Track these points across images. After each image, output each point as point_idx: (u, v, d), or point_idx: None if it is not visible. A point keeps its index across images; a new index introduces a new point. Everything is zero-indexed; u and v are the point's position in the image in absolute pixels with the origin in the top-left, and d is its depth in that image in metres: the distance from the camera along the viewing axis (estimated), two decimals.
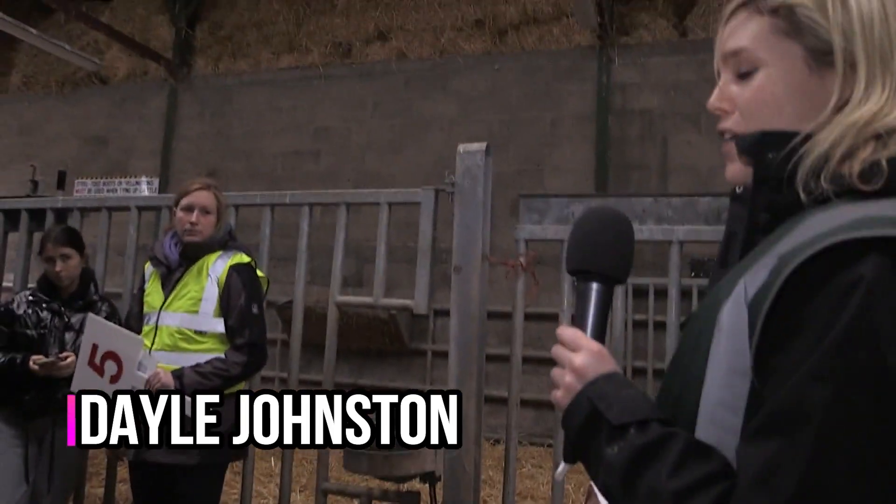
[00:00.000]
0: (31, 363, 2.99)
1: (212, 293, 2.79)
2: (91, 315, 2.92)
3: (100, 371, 2.73)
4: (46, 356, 3.03)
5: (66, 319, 3.22)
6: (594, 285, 0.99)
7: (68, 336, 3.20)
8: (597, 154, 7.76)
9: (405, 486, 3.02)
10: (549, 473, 5.88)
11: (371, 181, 8.56)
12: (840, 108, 0.82)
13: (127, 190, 9.49)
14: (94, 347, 2.76)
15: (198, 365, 2.71)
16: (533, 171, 8.03)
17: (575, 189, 7.78)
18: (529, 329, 3.08)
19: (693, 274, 6.91)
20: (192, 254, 2.84)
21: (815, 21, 0.84)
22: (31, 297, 3.23)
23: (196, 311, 2.77)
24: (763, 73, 0.87)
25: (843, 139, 0.79)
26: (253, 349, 2.77)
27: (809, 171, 0.80)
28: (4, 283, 4.15)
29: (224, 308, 2.79)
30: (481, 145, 2.91)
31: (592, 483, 1.76)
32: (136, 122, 9.81)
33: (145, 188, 9.50)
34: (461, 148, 2.92)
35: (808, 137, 0.82)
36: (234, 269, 2.82)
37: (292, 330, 3.21)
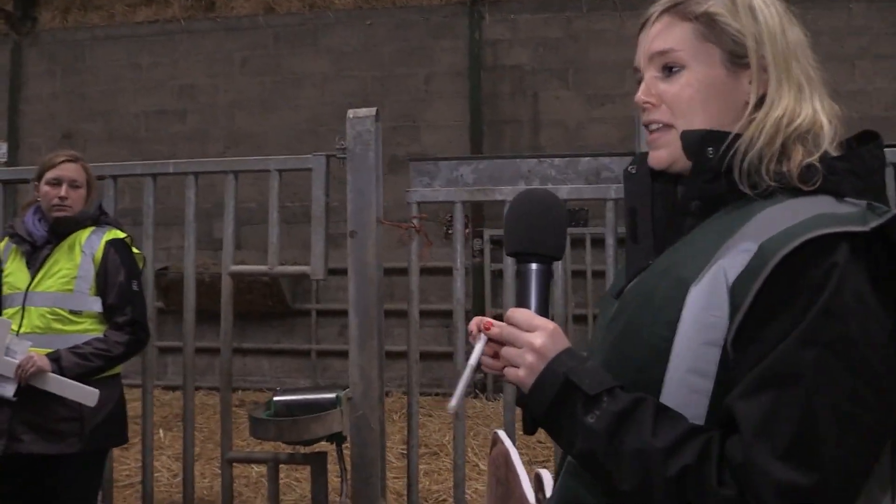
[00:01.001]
0: None
1: (87, 270, 2.66)
2: None
3: None
4: None
5: None
6: (533, 266, 1.05)
7: None
8: (471, 110, 7.90)
9: (312, 448, 3.08)
10: (440, 421, 6.10)
11: (242, 141, 8.30)
12: (757, 105, 0.97)
13: None
14: None
15: (76, 346, 2.59)
16: (409, 127, 8.07)
17: (451, 145, 7.90)
18: (420, 283, 3.18)
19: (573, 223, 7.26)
20: (62, 230, 2.69)
21: (732, 27, 0.98)
22: None
23: (70, 290, 2.65)
24: (687, 71, 1.00)
25: (773, 140, 0.94)
26: (135, 327, 2.69)
27: (748, 167, 0.94)
28: None
29: (101, 286, 2.67)
30: (371, 111, 2.94)
31: (498, 432, 1.89)
32: None
33: None
34: (351, 113, 2.94)
35: (737, 136, 0.96)
36: (111, 244, 2.71)
37: (185, 302, 3.16)
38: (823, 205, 0.91)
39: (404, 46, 8.15)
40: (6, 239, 2.80)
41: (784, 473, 0.81)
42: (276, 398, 2.84)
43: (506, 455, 1.77)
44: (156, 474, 4.64)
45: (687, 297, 0.91)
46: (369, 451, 2.82)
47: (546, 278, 1.05)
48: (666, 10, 1.02)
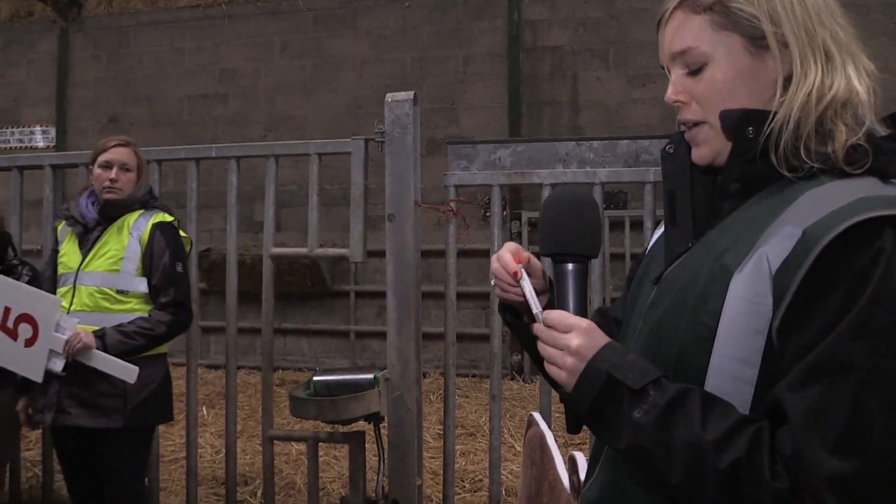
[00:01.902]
0: None
1: (134, 252, 2.74)
2: (0, 276, 2.83)
3: (13, 335, 2.63)
4: None
5: None
6: (569, 266, 1.06)
7: None
8: (509, 91, 7.86)
9: (348, 428, 3.13)
10: (476, 403, 6.15)
11: (283, 124, 8.39)
12: (785, 84, 0.95)
13: (21, 140, 8.95)
14: (7, 310, 2.64)
15: (121, 324, 2.68)
16: (447, 109, 8.07)
17: (489, 127, 7.88)
18: (458, 266, 3.20)
19: (605, 206, 7.19)
20: (111, 212, 2.77)
21: (746, 12, 0.96)
22: None
23: (117, 270, 2.73)
24: (711, 65, 0.98)
25: (807, 117, 0.92)
26: (178, 308, 2.75)
27: (786, 147, 0.92)
28: None
29: (147, 267, 2.75)
30: (409, 94, 2.95)
31: (533, 414, 1.90)
32: (24, 67, 9.19)
33: (40, 138, 8.99)
34: (389, 97, 2.95)
35: (773, 116, 0.94)
36: (157, 227, 2.78)
37: (227, 283, 3.22)
38: (868, 187, 0.88)
39: (443, 28, 8.13)
40: (63, 221, 2.90)
41: (835, 466, 0.80)
42: (315, 378, 2.89)
43: (541, 437, 1.78)
44: (199, 450, 4.77)
45: (730, 285, 0.90)
46: (406, 430, 2.86)
47: (583, 278, 1.07)
48: (678, 6, 1.01)
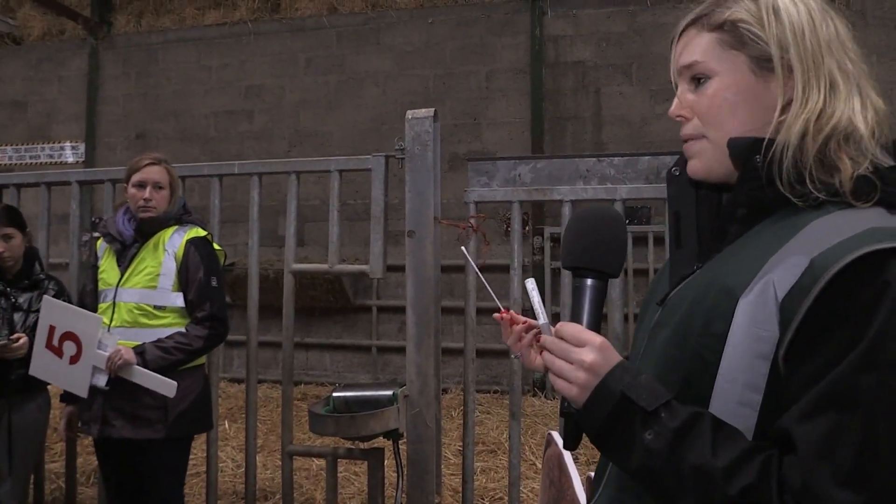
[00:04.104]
0: None
1: (170, 268, 2.80)
2: (46, 297, 2.90)
3: (59, 353, 2.72)
4: None
5: (13, 300, 3.16)
6: (589, 281, 1.06)
7: (17, 317, 3.16)
8: (532, 107, 7.86)
9: (369, 444, 3.13)
10: (498, 419, 6.11)
11: (307, 140, 8.47)
12: (786, 108, 0.96)
13: (51, 156, 9.13)
14: (52, 329, 2.74)
15: (159, 340, 2.74)
16: (470, 125, 8.09)
17: (512, 143, 7.88)
18: (477, 283, 3.20)
19: (628, 222, 7.17)
20: (147, 230, 2.84)
21: (755, 34, 0.97)
22: None
23: (154, 287, 2.79)
24: (715, 80, 1.00)
25: (807, 145, 0.92)
26: (214, 322, 2.81)
27: (788, 175, 0.93)
28: None
29: (183, 282, 2.81)
30: (429, 111, 2.96)
31: (552, 433, 1.88)
32: (55, 84, 9.38)
33: (70, 154, 9.16)
34: (409, 114, 2.96)
35: (778, 141, 0.94)
36: (192, 242, 2.84)
37: (249, 298, 3.25)
38: (875, 218, 0.88)
39: (466, 44, 8.17)
40: (101, 238, 2.96)
41: (844, 499, 0.79)
42: (335, 394, 2.89)
43: (559, 457, 1.77)
44: (221, 464, 4.79)
45: (736, 310, 0.90)
46: (425, 447, 2.85)
47: (601, 295, 1.06)
48: (691, 24, 1.03)
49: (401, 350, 7.36)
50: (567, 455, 1.75)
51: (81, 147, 9.10)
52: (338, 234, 3.12)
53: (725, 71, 0.99)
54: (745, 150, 0.96)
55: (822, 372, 0.84)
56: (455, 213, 6.68)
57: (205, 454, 3.44)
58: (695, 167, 1.03)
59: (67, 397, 2.97)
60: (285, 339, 3.18)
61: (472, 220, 3.03)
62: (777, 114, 0.96)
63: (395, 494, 2.94)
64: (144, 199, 2.81)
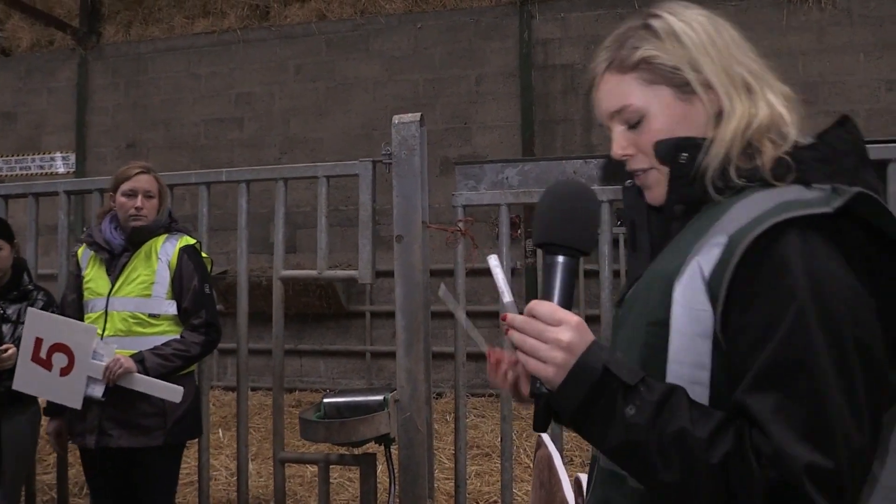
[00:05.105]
0: None
1: (164, 276, 2.81)
2: (31, 309, 2.88)
3: (47, 365, 2.70)
4: None
5: (2, 311, 3.16)
6: (560, 258, 1.04)
7: (5, 328, 3.15)
8: (522, 110, 7.89)
9: (361, 450, 3.13)
10: (492, 423, 6.11)
11: (298, 147, 8.47)
12: (717, 120, 1.02)
13: (42, 167, 9.10)
14: (38, 342, 2.72)
15: (157, 347, 2.74)
16: (460, 129, 8.11)
17: (502, 146, 7.90)
18: (467, 285, 3.20)
19: (619, 223, 7.17)
20: (138, 238, 2.83)
21: (668, 65, 1.03)
22: None
23: (149, 295, 2.79)
24: (648, 117, 1.05)
25: (734, 143, 1.00)
26: (210, 328, 2.83)
27: (716, 170, 1.00)
28: None
29: (177, 290, 2.82)
30: (415, 116, 2.97)
31: (542, 436, 1.89)
32: (44, 94, 9.36)
33: (61, 164, 9.14)
34: (396, 119, 2.97)
35: (707, 144, 1.02)
36: (184, 251, 2.85)
37: (238, 306, 3.24)
38: (790, 193, 0.94)
39: (455, 49, 8.19)
40: (83, 246, 2.94)
41: (809, 455, 0.83)
42: (325, 400, 2.89)
43: (548, 458, 1.77)
44: (215, 473, 4.79)
45: (673, 295, 0.95)
46: (416, 452, 2.85)
47: (572, 272, 1.04)
48: (606, 70, 1.08)
49: (394, 355, 7.34)
50: (556, 457, 1.75)
51: (72, 157, 9.08)
52: (326, 240, 3.13)
53: (654, 106, 1.04)
54: (671, 150, 1.03)
55: (757, 342, 0.88)
56: (447, 217, 6.66)
57: (197, 462, 3.43)
58: (654, 197, 1.09)
59: (52, 410, 2.95)
60: (275, 346, 3.18)
61: (461, 224, 3.04)
62: (711, 127, 1.02)
63: (388, 499, 2.94)
64: (136, 208, 2.81)
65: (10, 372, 2.91)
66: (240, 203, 3.23)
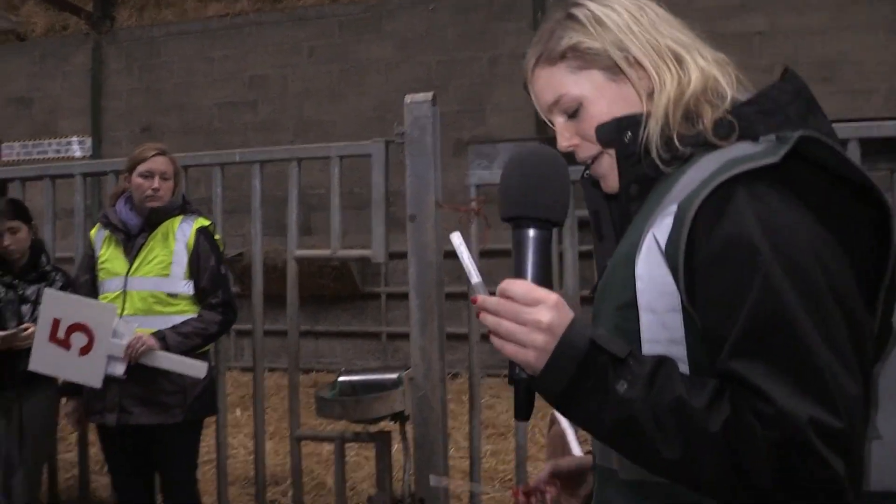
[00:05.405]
0: None
1: (181, 256, 2.85)
2: (48, 290, 2.91)
3: (65, 345, 2.72)
4: (5, 330, 3.03)
5: (21, 292, 3.20)
6: (531, 232, 0.96)
7: (24, 308, 3.19)
8: None
9: (377, 427, 3.16)
10: (507, 403, 6.13)
11: (312, 129, 8.47)
12: (651, 94, 1.01)
13: (58, 151, 9.17)
14: (56, 322, 2.74)
15: (177, 326, 2.78)
16: (474, 111, 8.07)
17: (516, 127, 7.86)
18: (481, 266, 3.21)
19: None
20: (155, 219, 2.86)
21: (594, 48, 1.02)
22: None
23: (167, 275, 2.83)
24: (585, 104, 1.04)
25: (669, 112, 0.98)
26: (227, 308, 2.87)
27: (659, 142, 0.98)
28: None
29: (194, 270, 2.85)
30: (427, 95, 2.96)
31: (555, 413, 1.90)
32: (59, 79, 9.42)
33: (77, 148, 9.20)
34: (408, 98, 2.96)
35: (646, 120, 1.00)
36: (201, 232, 2.89)
37: (253, 287, 3.27)
38: (736, 150, 0.92)
39: (468, 30, 8.13)
40: (97, 227, 2.97)
41: (811, 409, 0.81)
42: (341, 378, 2.92)
43: (562, 435, 1.78)
44: (233, 451, 4.84)
45: (635, 271, 0.92)
46: (431, 430, 2.87)
47: (546, 246, 0.96)
48: (536, 64, 1.07)
49: (410, 336, 7.37)
50: (570, 433, 1.75)
51: (88, 141, 9.14)
52: (339, 220, 3.14)
53: (588, 91, 1.03)
54: (612, 132, 1.01)
55: (729, 309, 0.85)
56: (461, 199, 6.65)
57: (209, 441, 3.47)
58: (608, 185, 1.06)
59: (69, 390, 2.99)
60: (290, 325, 3.21)
61: (474, 204, 3.04)
62: (646, 103, 1.01)
63: (403, 477, 2.97)
64: (153, 189, 2.83)
65: (29, 353, 2.95)
66: (253, 184, 3.25)
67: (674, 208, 0.90)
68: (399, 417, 2.89)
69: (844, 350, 0.84)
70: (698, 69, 0.99)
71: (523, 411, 0.97)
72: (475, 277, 0.96)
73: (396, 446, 3.44)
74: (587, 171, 1.10)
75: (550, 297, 0.91)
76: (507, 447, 4.97)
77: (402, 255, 3.40)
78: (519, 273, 0.95)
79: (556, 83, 1.05)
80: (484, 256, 3.28)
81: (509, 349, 0.91)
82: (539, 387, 0.92)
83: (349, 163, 3.32)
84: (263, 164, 3.27)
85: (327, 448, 4.73)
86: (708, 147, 0.95)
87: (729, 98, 0.97)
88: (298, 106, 8.60)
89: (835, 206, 0.89)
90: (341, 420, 2.99)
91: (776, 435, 0.82)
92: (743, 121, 0.94)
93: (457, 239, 1.01)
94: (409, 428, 2.99)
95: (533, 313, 0.89)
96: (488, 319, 0.92)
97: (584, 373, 0.88)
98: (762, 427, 0.82)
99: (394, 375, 2.86)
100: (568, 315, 0.91)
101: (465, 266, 0.97)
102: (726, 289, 0.86)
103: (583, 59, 1.03)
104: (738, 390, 0.85)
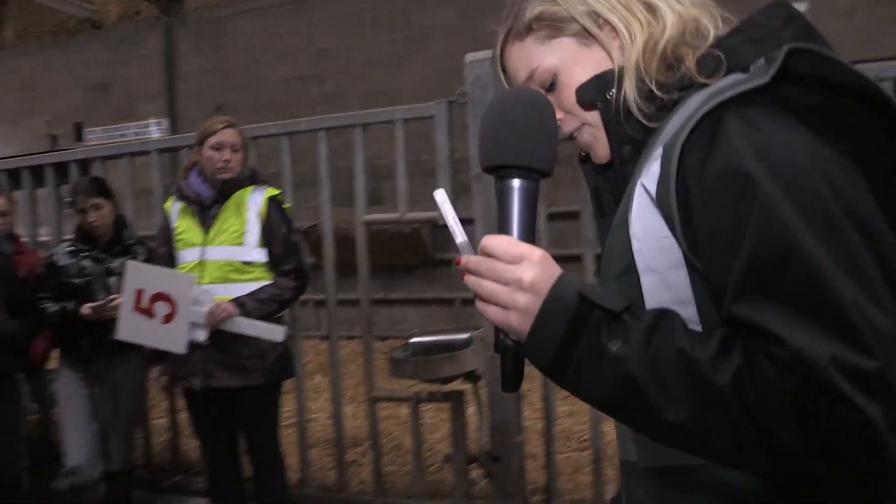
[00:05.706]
0: (82, 309, 3.14)
1: (254, 225, 2.92)
2: (130, 262, 3.03)
3: (149, 314, 2.84)
4: (94, 301, 3.18)
5: (107, 265, 3.34)
6: (515, 182, 0.86)
7: (112, 280, 3.33)
8: None
9: (449, 388, 3.18)
10: None
11: (377, 99, 8.50)
12: (624, 52, 0.94)
13: (137, 134, 9.51)
14: (139, 293, 2.86)
15: (253, 292, 2.87)
16: None
17: None
18: (551, 228, 3.17)
19: None
20: (227, 190, 2.94)
21: (559, 15, 0.96)
22: (70, 249, 3.35)
23: (241, 244, 2.91)
24: (559, 74, 0.98)
25: (642, 62, 0.90)
26: (300, 274, 2.93)
27: (640, 96, 0.89)
28: (41, 238, 4.28)
29: (267, 238, 2.92)
30: (487, 53, 2.90)
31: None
32: (135, 64, 9.73)
33: (155, 130, 9.51)
34: (468, 57, 2.93)
35: (619, 74, 0.92)
36: (272, 201, 2.96)
37: (324, 254, 3.33)
38: (724, 82, 0.83)
39: None
40: (171, 199, 3.07)
41: (832, 347, 0.69)
42: (413, 339, 2.95)
43: None
44: (314, 416, 4.99)
45: (630, 232, 0.84)
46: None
47: (532, 198, 0.87)
48: (506, 42, 1.02)
49: None
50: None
51: (165, 123, 9.44)
52: (406, 184, 3.15)
53: (561, 60, 0.97)
54: (592, 91, 0.94)
55: (731, 248, 0.75)
56: None
57: (291, 406, 3.59)
58: (598, 155, 0.99)
59: (154, 357, 3.12)
60: (362, 290, 3.25)
61: None
62: (617, 61, 0.93)
63: (478, 436, 2.99)
64: (224, 161, 2.90)
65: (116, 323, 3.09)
66: (319, 150, 3.29)
67: (659, 151, 0.82)
68: (471, 377, 2.90)
69: (872, 280, 0.72)
70: (674, 14, 0.91)
71: (510, 383, 0.87)
72: (460, 237, 0.88)
73: (473, 407, 3.47)
74: (582, 151, 1.02)
75: (534, 252, 0.82)
76: (582, 408, 4.93)
77: (471, 222, 3.40)
78: (503, 229, 0.86)
79: (527, 57, 0.99)
80: (563, 218, 3.23)
81: (491, 312, 0.83)
82: (527, 353, 0.82)
83: (415, 130, 3.31)
84: (329, 131, 3.30)
85: (405, 411, 4.81)
86: (696, 88, 0.86)
87: (710, 35, 0.88)
88: (363, 76, 8.64)
89: (841, 124, 0.79)
90: (413, 379, 3.02)
91: (794, 381, 0.70)
92: (730, 52, 0.85)
93: (440, 196, 0.91)
94: (482, 389, 3.00)
95: (514, 271, 0.81)
96: (470, 280, 0.84)
97: (575, 331, 0.78)
98: (777, 373, 0.71)
99: (465, 335, 2.86)
100: (554, 272, 0.81)
101: (448, 225, 0.89)
102: (723, 227, 0.75)
103: (550, 27, 0.97)
104: (748, 337, 0.74)
